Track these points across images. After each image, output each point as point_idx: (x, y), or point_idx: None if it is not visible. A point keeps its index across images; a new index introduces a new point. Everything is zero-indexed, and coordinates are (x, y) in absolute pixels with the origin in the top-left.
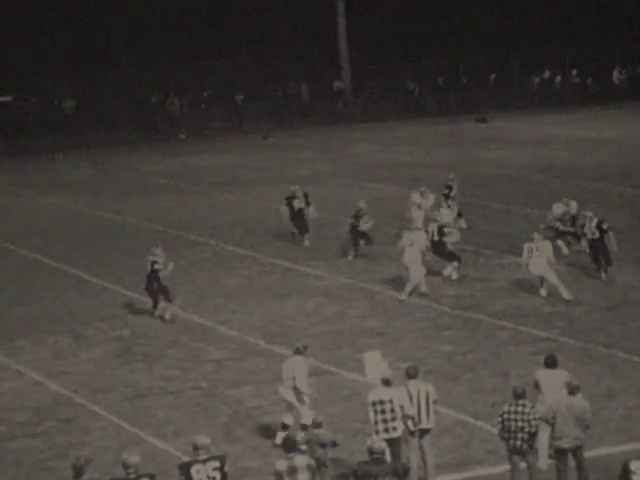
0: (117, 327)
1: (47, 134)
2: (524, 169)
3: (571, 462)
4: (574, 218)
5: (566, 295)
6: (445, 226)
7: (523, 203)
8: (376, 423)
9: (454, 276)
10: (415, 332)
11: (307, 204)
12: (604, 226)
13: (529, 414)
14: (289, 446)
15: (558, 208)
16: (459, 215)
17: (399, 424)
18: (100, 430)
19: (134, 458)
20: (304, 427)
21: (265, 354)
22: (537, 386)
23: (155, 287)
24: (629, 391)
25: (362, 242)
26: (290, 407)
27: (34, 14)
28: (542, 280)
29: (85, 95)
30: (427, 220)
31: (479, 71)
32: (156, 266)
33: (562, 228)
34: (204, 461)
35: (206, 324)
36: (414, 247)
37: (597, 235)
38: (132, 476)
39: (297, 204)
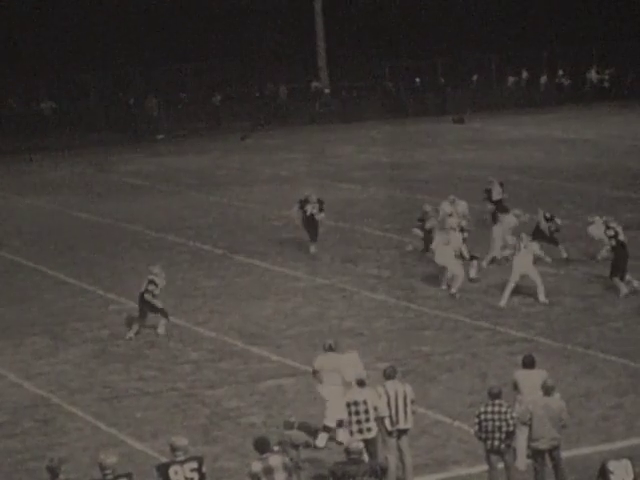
0: (95, 328)
1: (25, 135)
2: (502, 170)
3: (548, 462)
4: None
5: (542, 298)
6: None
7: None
8: (350, 424)
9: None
10: (393, 332)
11: (320, 210)
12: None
13: (506, 413)
14: (262, 447)
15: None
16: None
17: (374, 425)
18: (78, 431)
19: (111, 459)
20: (326, 429)
21: (243, 355)
22: (516, 387)
23: (145, 307)
24: (607, 391)
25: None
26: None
27: (12, 15)
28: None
29: (63, 96)
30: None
31: (457, 71)
32: (150, 287)
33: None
34: (182, 462)
35: (184, 325)
36: (449, 247)
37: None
38: (109, 477)
39: (310, 209)
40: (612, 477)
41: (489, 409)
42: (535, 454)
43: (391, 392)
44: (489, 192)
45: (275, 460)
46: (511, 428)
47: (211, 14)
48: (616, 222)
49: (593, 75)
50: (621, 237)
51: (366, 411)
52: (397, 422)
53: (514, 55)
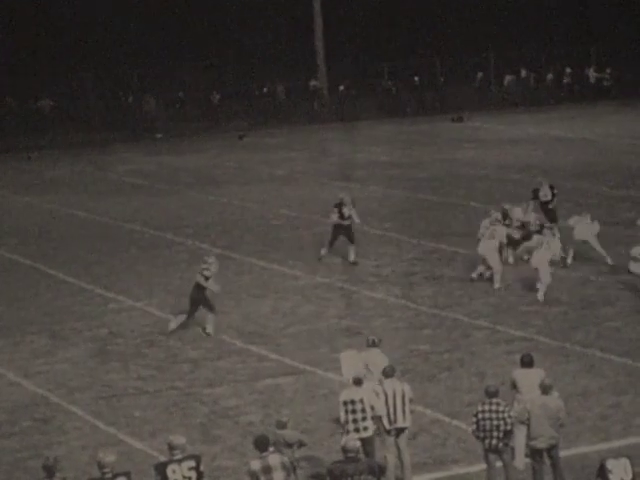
0: (94, 327)
1: (24, 134)
2: (501, 168)
3: (547, 461)
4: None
5: (540, 295)
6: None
7: (499, 202)
8: (347, 423)
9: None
10: (392, 331)
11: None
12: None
13: (504, 412)
14: (262, 445)
15: (517, 212)
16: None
17: (370, 424)
18: (76, 430)
19: (110, 457)
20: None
21: (242, 353)
22: (514, 386)
23: (197, 296)
24: (605, 390)
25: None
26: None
27: (10, 14)
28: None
29: (62, 95)
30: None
31: (456, 70)
32: (206, 272)
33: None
34: (180, 461)
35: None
36: (494, 240)
37: None
38: (108, 475)
39: (347, 211)
40: (611, 476)
41: (487, 408)
42: (533, 453)
43: (389, 391)
44: (536, 192)
45: (274, 459)
46: (509, 427)
47: (209, 13)
48: None
49: (592, 74)
50: None
51: (362, 410)
52: (395, 421)
53: (513, 54)
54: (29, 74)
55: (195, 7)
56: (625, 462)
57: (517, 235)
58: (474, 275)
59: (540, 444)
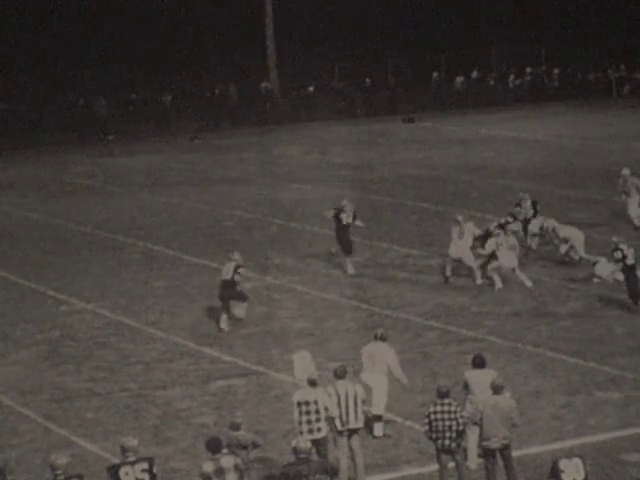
0: (45, 329)
1: None
2: (453, 169)
3: (500, 461)
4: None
5: (478, 280)
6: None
7: (451, 203)
8: (300, 424)
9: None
10: (344, 332)
11: (354, 219)
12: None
13: (455, 412)
14: (214, 447)
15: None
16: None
17: (324, 425)
18: (29, 432)
19: (62, 459)
20: (378, 418)
21: (194, 355)
22: (466, 386)
23: (229, 294)
24: (557, 390)
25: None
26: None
27: None
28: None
29: (13, 97)
30: None
31: (408, 71)
32: (241, 270)
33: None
34: (133, 463)
35: (135, 325)
36: (463, 239)
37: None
38: (60, 478)
39: (345, 218)
40: (563, 476)
41: (439, 409)
42: (486, 453)
43: (341, 392)
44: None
45: (227, 461)
46: (461, 427)
47: (161, 14)
48: (625, 244)
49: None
50: (629, 261)
51: (317, 411)
52: (348, 422)
53: (463, 55)
54: None
55: (146, 8)
56: (578, 462)
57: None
58: (448, 273)
59: (493, 444)
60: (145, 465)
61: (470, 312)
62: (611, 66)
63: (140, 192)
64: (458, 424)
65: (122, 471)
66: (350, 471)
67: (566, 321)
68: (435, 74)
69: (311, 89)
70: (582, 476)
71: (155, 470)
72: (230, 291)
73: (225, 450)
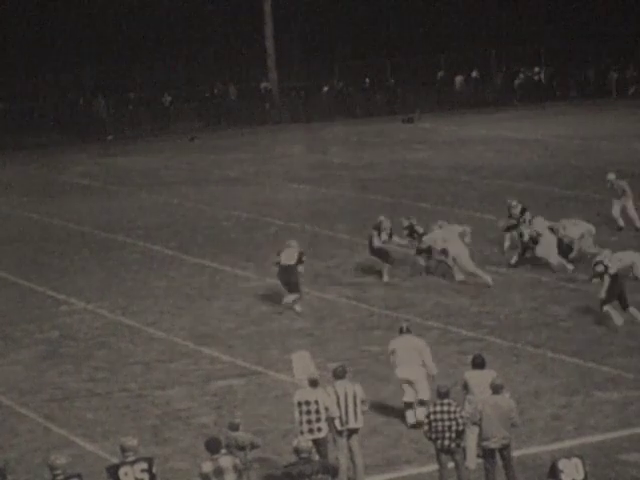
0: (45, 329)
1: None
2: (452, 169)
3: (499, 461)
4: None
5: (458, 277)
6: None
7: (450, 204)
8: (301, 423)
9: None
10: (343, 332)
11: (390, 236)
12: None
13: (455, 412)
14: (214, 447)
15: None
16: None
17: (324, 425)
18: (28, 432)
19: (61, 460)
20: (422, 403)
21: (194, 355)
22: (466, 387)
23: (287, 279)
24: (557, 390)
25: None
26: (410, 385)
27: None
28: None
29: (12, 97)
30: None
31: (407, 71)
32: (303, 258)
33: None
34: (132, 463)
35: (134, 325)
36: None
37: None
38: (59, 478)
39: (384, 236)
40: (562, 476)
41: (438, 409)
42: (486, 453)
43: (340, 392)
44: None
45: (226, 461)
46: (461, 427)
47: (160, 14)
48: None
49: (539, 74)
50: (612, 270)
51: (317, 411)
52: (347, 422)
53: (463, 55)
54: None
55: (145, 8)
56: (577, 462)
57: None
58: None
59: (493, 444)
60: (144, 465)
61: (470, 312)
62: (611, 66)
63: (139, 192)
64: (458, 424)
65: (122, 471)
66: (349, 471)
67: (566, 321)
68: (440, 73)
69: (266, 85)
70: (581, 476)
71: (154, 470)
72: (289, 277)
73: (223, 450)
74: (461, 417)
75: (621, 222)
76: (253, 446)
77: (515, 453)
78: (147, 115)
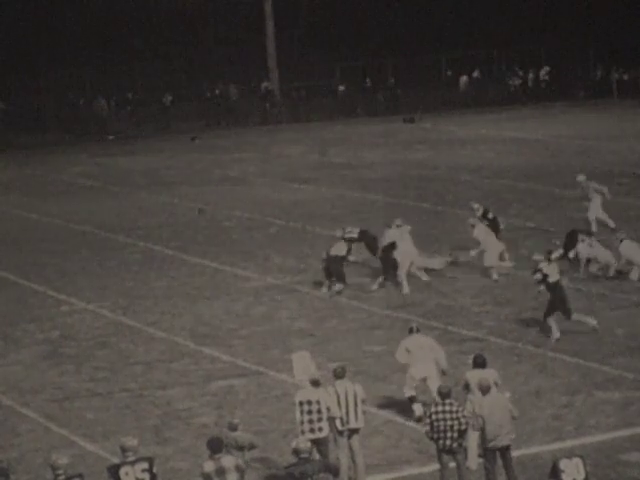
0: (46, 329)
1: None
2: (453, 169)
3: (499, 461)
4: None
5: (425, 278)
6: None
7: (451, 203)
8: (302, 423)
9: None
10: (345, 333)
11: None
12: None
13: (457, 412)
14: (216, 447)
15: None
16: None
17: (325, 425)
18: (29, 432)
19: (63, 459)
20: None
21: (194, 355)
22: (467, 386)
23: (334, 269)
24: (558, 390)
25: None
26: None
27: None
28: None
29: (13, 97)
30: None
31: (407, 71)
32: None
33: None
34: (133, 463)
35: (135, 325)
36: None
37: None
38: (61, 477)
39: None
40: (563, 476)
41: (440, 409)
42: (486, 453)
43: (341, 392)
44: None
45: (228, 461)
46: (463, 427)
47: (162, 14)
48: (546, 262)
49: (542, 75)
50: (552, 279)
51: (319, 411)
52: (348, 422)
53: (465, 55)
54: None
55: (147, 9)
56: (578, 462)
57: None
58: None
59: (500, 443)
60: (145, 465)
61: (470, 312)
62: (613, 67)
63: (140, 192)
64: (460, 424)
65: (122, 471)
66: (350, 471)
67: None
68: (449, 72)
69: (267, 85)
70: (582, 476)
71: (155, 470)
72: (335, 267)
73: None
74: (463, 417)
75: (594, 226)
76: (252, 447)
77: (516, 453)
78: (148, 115)
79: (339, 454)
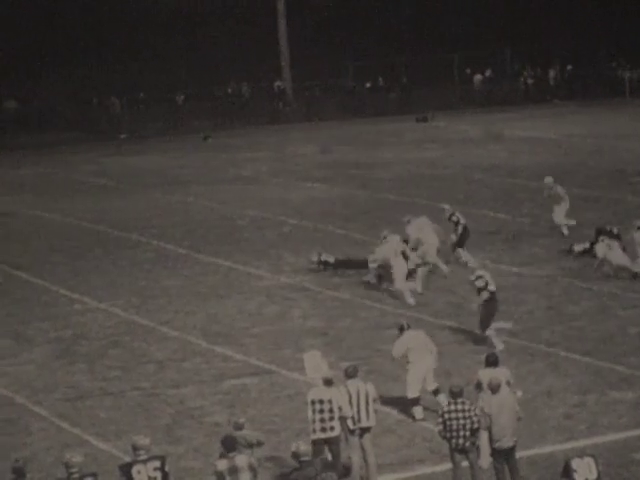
0: (59, 328)
1: None
2: (465, 168)
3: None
4: None
5: (419, 289)
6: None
7: (463, 202)
8: (314, 422)
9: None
10: (357, 332)
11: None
12: None
13: (470, 411)
14: (230, 445)
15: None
16: None
17: (337, 424)
18: (41, 431)
19: (77, 458)
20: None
21: (207, 354)
22: (479, 385)
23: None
24: (570, 389)
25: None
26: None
27: None
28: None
29: (26, 96)
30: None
31: (421, 70)
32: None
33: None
34: (145, 461)
35: (148, 324)
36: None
37: None
38: (75, 476)
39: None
40: (576, 475)
41: (452, 408)
42: (495, 453)
43: (352, 391)
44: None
45: (241, 460)
46: (475, 425)
47: (173, 13)
48: (484, 270)
49: (552, 75)
50: (492, 287)
51: (330, 410)
52: (359, 421)
53: (477, 54)
54: None
55: (159, 7)
56: (590, 461)
57: None
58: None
59: (506, 443)
60: (157, 463)
61: None
62: (625, 65)
63: (153, 191)
64: (472, 423)
65: (134, 469)
66: (362, 470)
67: (579, 321)
68: (468, 70)
69: (279, 84)
70: (594, 475)
71: (167, 468)
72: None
73: None
74: (475, 415)
75: (565, 230)
76: (260, 443)
77: (528, 452)
78: (160, 114)
79: (351, 453)
